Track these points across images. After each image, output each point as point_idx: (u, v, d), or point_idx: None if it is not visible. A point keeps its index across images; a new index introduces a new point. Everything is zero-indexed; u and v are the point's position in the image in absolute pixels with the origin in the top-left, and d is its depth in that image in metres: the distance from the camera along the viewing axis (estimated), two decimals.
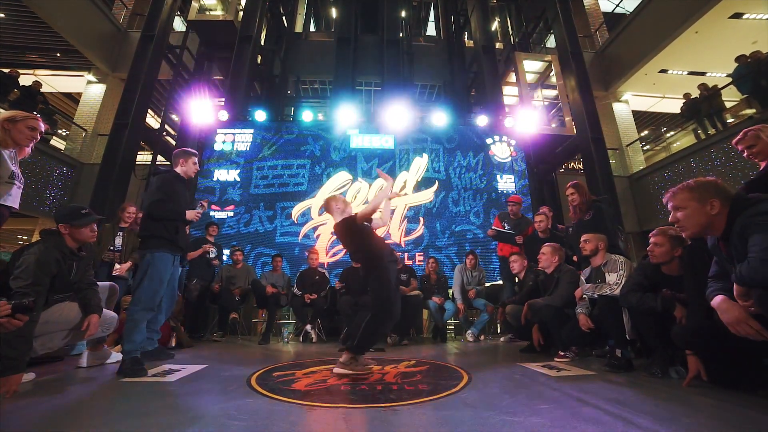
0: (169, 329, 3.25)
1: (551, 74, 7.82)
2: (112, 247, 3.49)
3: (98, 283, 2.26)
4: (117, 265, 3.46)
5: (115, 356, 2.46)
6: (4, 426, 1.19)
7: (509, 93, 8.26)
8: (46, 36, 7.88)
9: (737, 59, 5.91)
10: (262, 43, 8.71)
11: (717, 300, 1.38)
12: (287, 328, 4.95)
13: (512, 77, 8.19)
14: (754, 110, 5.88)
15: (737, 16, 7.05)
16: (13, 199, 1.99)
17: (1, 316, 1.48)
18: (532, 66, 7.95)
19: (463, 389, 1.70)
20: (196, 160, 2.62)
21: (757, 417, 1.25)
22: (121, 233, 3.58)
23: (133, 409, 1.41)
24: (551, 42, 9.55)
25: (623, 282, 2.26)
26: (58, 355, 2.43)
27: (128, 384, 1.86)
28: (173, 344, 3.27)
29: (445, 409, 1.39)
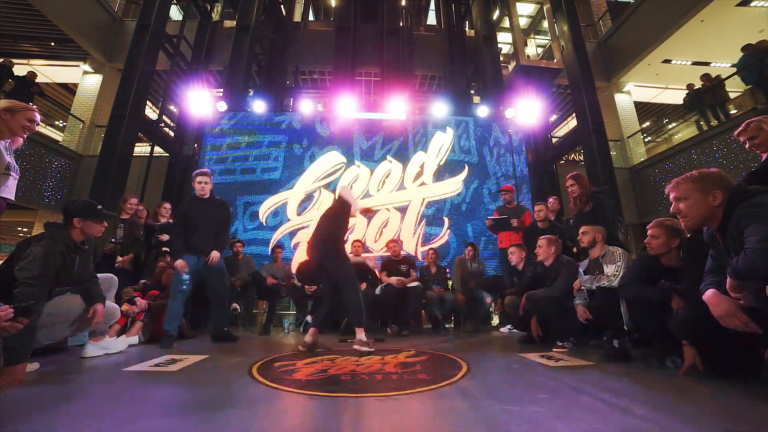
0: None
1: (543, 21, 7.72)
2: (113, 239, 3.49)
3: (98, 275, 2.27)
4: (119, 257, 3.47)
5: (118, 346, 2.49)
6: (10, 413, 1.21)
7: (503, 41, 8.13)
8: (39, 24, 7.72)
9: (743, 49, 5.81)
10: (261, 33, 8.54)
11: (708, 294, 1.40)
12: (288, 319, 4.99)
13: (506, 22, 8.05)
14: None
15: (745, 3, 6.92)
16: (9, 190, 1.97)
17: (5, 320, 1.49)
18: (525, 9, 7.77)
19: (462, 379, 1.72)
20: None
21: (751, 405, 1.28)
22: (122, 225, 3.58)
23: (135, 398, 1.43)
24: None
25: (621, 273, 2.27)
26: (61, 346, 2.46)
27: (131, 373, 1.88)
28: None
29: (444, 399, 1.41)
